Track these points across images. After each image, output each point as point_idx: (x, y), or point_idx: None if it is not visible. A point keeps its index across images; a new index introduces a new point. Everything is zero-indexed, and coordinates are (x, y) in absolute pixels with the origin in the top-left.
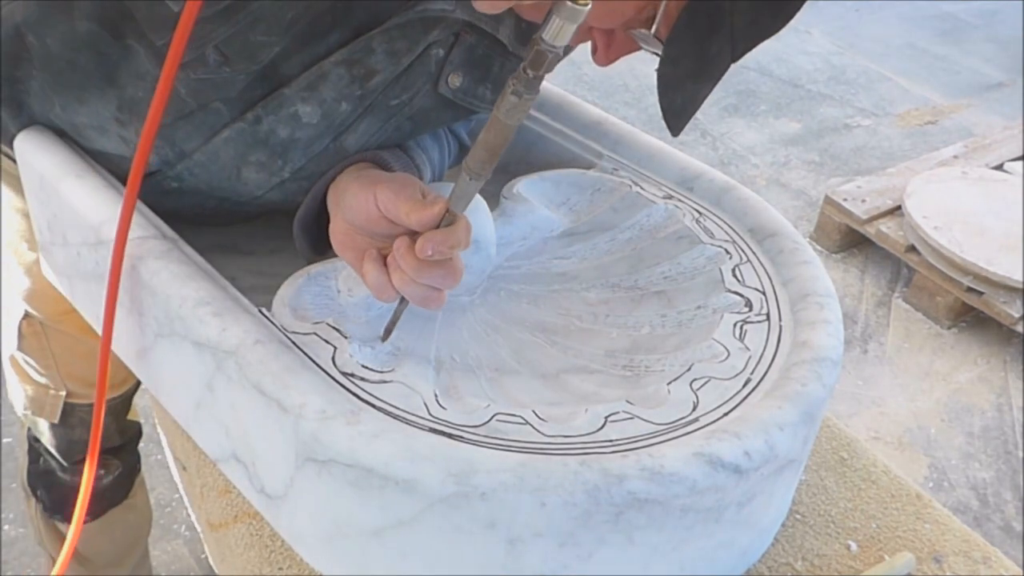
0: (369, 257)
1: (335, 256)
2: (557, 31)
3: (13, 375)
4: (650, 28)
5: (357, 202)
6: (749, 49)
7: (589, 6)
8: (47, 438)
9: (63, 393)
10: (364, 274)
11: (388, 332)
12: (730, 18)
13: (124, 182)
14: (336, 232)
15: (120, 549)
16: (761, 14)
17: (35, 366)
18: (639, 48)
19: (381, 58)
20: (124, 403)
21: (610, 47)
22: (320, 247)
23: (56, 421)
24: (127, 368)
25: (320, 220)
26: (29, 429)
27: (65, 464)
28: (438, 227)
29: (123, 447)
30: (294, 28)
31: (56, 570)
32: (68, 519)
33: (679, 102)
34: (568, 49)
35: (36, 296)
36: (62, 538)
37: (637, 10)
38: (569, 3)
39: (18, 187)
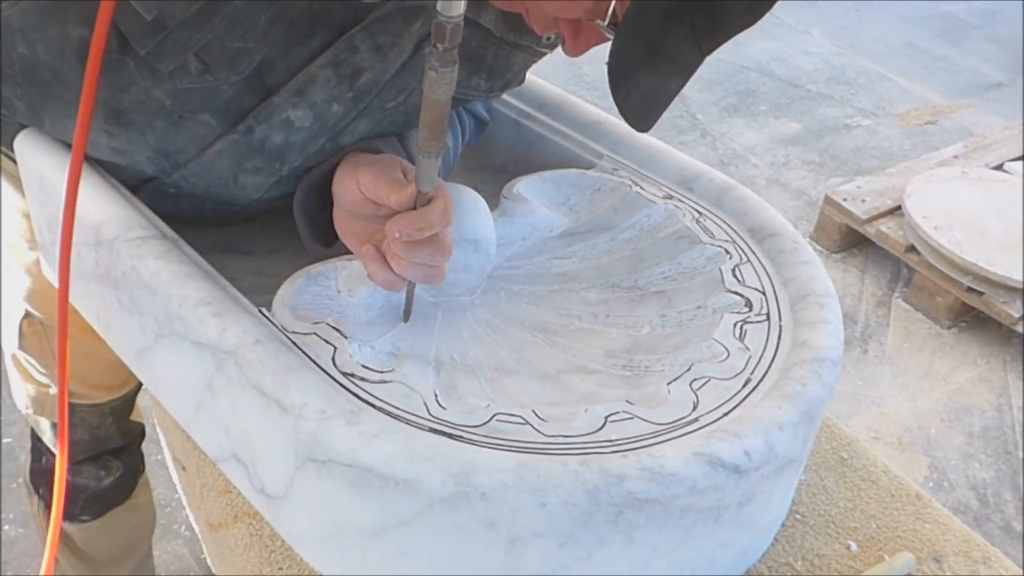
0: (369, 257)
1: (344, 247)
2: (448, 2)
3: (15, 374)
4: (604, 19)
5: (343, 187)
6: (719, 44)
7: None
8: (49, 437)
9: None
10: (370, 275)
11: (407, 313)
12: (688, 12)
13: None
14: (337, 220)
15: (122, 548)
16: (728, 8)
17: (36, 365)
18: (608, 39)
19: (366, 55)
20: (125, 404)
21: (577, 37)
22: (328, 238)
23: (57, 421)
24: (128, 370)
25: (324, 212)
26: (32, 428)
27: (67, 464)
28: (416, 207)
29: (125, 448)
30: (272, 33)
31: (43, 571)
32: (70, 518)
33: (635, 96)
34: (545, 43)
35: (36, 296)
36: (64, 538)
37: (597, 1)
38: None
39: (19, 187)
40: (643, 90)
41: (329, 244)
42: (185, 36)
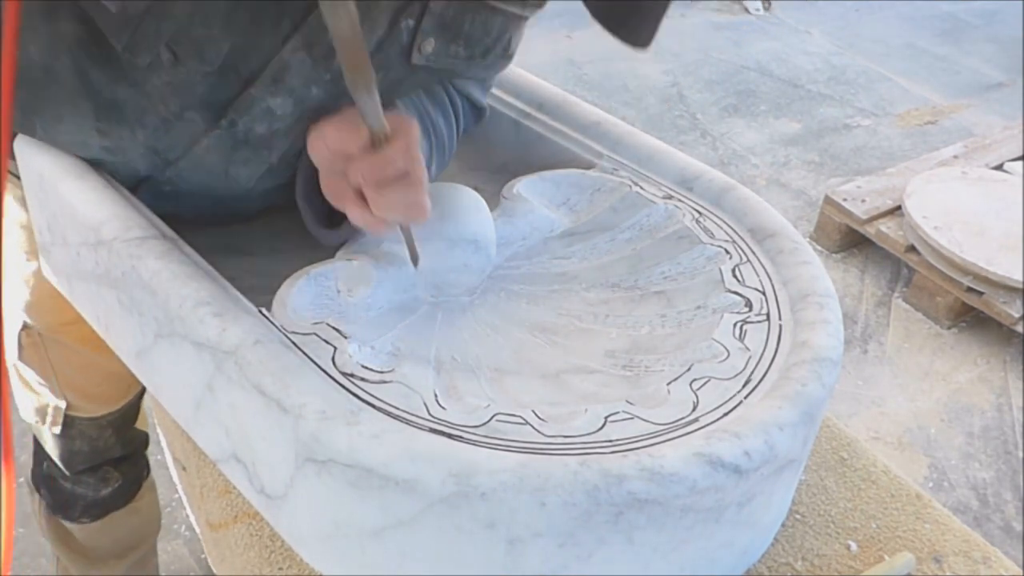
0: (349, 202)
1: (349, 234)
2: None
3: (18, 383)
4: None
5: (314, 150)
6: None
7: None
8: (50, 446)
9: (63, 404)
10: (353, 220)
11: (414, 259)
12: None
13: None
14: (323, 187)
15: (122, 548)
16: None
17: (35, 376)
18: None
19: None
20: (126, 417)
21: None
22: (333, 221)
23: (58, 432)
24: (127, 382)
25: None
26: (35, 434)
27: (67, 473)
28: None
29: (126, 458)
30: (236, 19)
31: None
32: (70, 519)
33: None
34: (525, 4)
35: (34, 307)
36: (65, 534)
37: None
38: None
39: (19, 199)
40: None
41: (335, 225)
42: (153, 27)
